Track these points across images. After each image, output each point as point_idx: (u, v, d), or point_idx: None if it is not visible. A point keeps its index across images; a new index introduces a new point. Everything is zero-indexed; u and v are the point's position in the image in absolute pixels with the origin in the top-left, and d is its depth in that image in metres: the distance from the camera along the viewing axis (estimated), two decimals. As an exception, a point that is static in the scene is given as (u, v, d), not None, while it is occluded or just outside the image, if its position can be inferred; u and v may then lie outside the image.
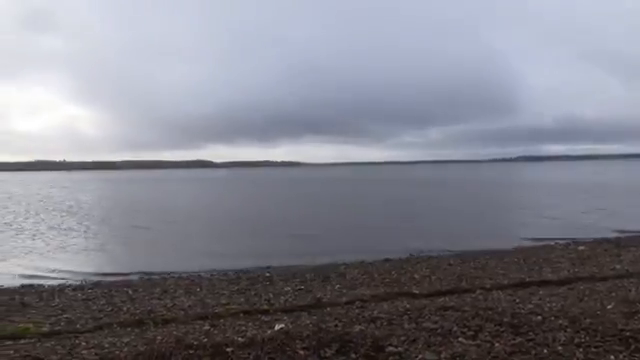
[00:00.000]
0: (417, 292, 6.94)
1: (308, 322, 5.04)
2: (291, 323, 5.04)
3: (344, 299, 6.64)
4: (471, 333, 4.36)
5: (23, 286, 9.17)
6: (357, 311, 5.56)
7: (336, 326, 4.78)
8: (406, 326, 4.65)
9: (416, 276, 8.55)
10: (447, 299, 6.10)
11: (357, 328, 4.63)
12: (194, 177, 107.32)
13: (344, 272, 9.27)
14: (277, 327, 4.83)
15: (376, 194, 41.21)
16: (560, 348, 3.95)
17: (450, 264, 9.82)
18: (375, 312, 5.35)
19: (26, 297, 7.61)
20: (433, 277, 8.37)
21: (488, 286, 7.17)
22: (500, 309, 5.12)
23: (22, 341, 4.82)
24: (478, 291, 6.74)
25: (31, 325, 5.56)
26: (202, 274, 9.91)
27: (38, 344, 4.67)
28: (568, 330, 4.35)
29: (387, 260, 11.03)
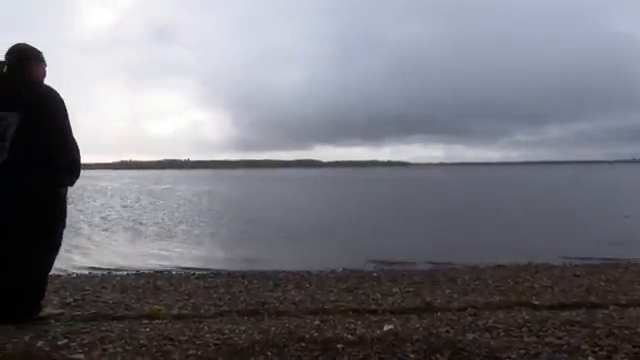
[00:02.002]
0: (538, 303, 6.41)
1: (418, 325, 4.92)
2: (400, 325, 4.95)
3: (455, 304, 6.37)
4: (603, 353, 3.90)
5: (156, 272, 10.36)
6: (470, 318, 5.29)
7: (447, 332, 4.60)
8: (526, 339, 4.32)
9: (536, 285, 7.91)
10: (573, 313, 5.54)
11: (470, 336, 4.40)
12: (303, 176, 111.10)
13: (454, 277, 8.92)
14: (386, 328, 4.78)
15: (490, 195, 38.98)
16: None
17: (576, 275, 8.93)
18: (490, 321, 5.04)
19: (159, 282, 8.49)
20: (556, 288, 7.67)
21: (623, 302, 6.37)
22: (639, 329, 4.53)
23: (156, 321, 5.36)
24: (611, 307, 6.02)
25: (163, 307, 6.18)
26: (311, 270, 10.22)
27: (169, 325, 5.15)
28: None
29: (500, 266, 10.41)
